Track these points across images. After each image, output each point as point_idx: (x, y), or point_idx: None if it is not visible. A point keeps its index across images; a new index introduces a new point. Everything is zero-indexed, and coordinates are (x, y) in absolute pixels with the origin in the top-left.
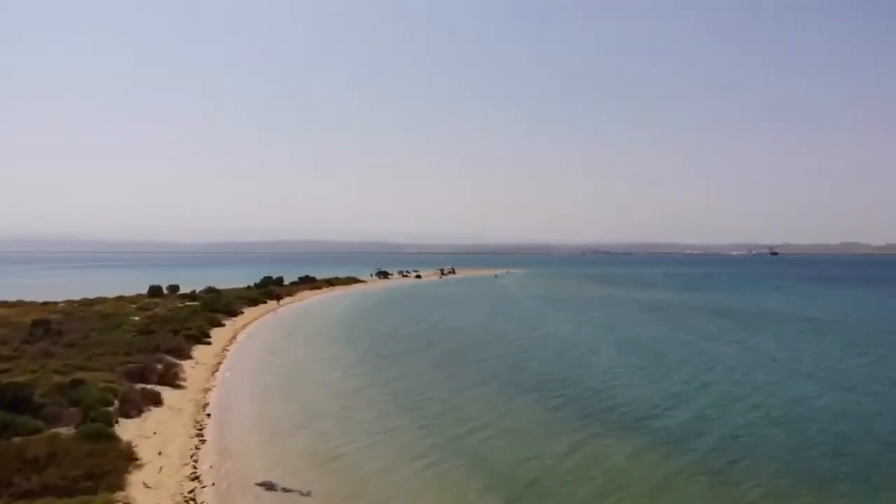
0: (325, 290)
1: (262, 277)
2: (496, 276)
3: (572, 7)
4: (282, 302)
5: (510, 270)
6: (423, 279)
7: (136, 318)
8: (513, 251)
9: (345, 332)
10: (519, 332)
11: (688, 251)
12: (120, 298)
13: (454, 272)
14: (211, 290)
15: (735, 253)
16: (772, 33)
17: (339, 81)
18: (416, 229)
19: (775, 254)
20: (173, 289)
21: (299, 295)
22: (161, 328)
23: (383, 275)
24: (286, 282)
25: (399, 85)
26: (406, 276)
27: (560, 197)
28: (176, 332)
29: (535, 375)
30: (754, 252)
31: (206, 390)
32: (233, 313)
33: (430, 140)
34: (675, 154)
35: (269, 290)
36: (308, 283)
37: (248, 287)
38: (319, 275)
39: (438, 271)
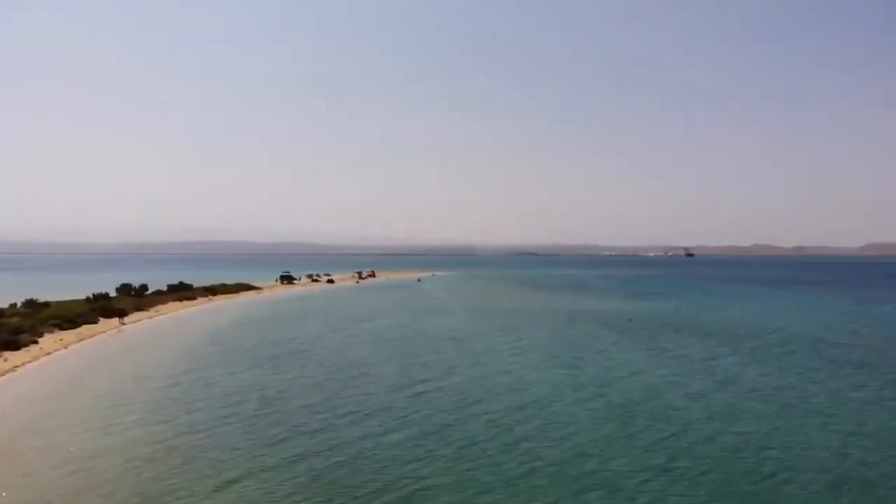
0: (200, 301)
1: (120, 284)
2: (420, 279)
3: (492, 19)
4: (125, 320)
5: (436, 273)
6: (336, 284)
7: None
8: (440, 252)
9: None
10: (440, 381)
11: (607, 252)
12: None
13: (374, 275)
14: (31, 304)
15: (652, 254)
16: (662, 30)
17: (268, 80)
18: (341, 231)
19: (691, 255)
20: None
21: (163, 309)
22: None
23: (287, 280)
24: (187, 287)
25: (327, 83)
26: (316, 280)
27: (484, 198)
28: None
29: None
30: (670, 253)
31: None
32: (14, 346)
33: (355, 140)
34: (594, 157)
35: (108, 305)
36: (180, 291)
37: (89, 298)
38: (221, 279)
39: (356, 275)
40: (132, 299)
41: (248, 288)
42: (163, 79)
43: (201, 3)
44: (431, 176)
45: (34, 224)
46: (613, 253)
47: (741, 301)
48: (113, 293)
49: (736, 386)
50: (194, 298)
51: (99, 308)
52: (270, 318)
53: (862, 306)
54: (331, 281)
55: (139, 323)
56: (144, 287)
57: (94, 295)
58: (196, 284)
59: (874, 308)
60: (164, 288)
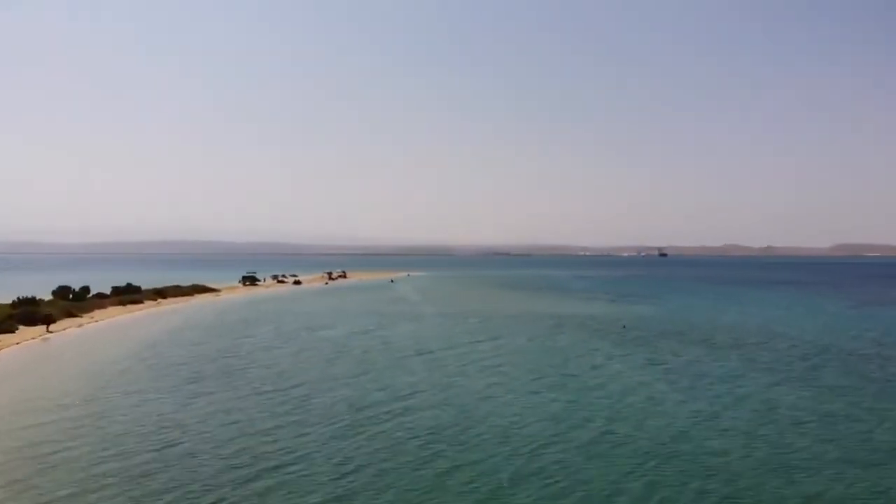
0: (147, 305)
1: (57, 286)
2: (392, 280)
3: (470, 19)
4: (53, 328)
5: (411, 273)
6: (304, 285)
7: None
8: (418, 252)
9: None
10: (399, 415)
11: (581, 252)
12: None
13: (345, 276)
14: None
15: (626, 254)
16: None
17: (246, 77)
18: (319, 231)
19: (664, 255)
20: None
21: (101, 314)
22: None
23: (251, 281)
24: (133, 290)
25: (306, 82)
26: (282, 281)
27: (462, 199)
28: None
29: None
30: (643, 254)
31: None
32: None
33: (333, 140)
34: (569, 159)
35: (32, 311)
36: (125, 294)
37: (14, 302)
38: (182, 280)
39: (325, 275)
40: (66, 304)
41: (205, 290)
42: (137, 74)
43: None
44: (411, 177)
45: (7, 225)
46: (588, 253)
47: (733, 303)
48: (49, 297)
49: (775, 414)
50: (140, 302)
51: (20, 315)
52: (216, 325)
53: (860, 310)
54: (297, 282)
55: (66, 332)
56: (86, 290)
57: (18, 299)
58: (151, 286)
59: (875, 311)
60: (109, 291)
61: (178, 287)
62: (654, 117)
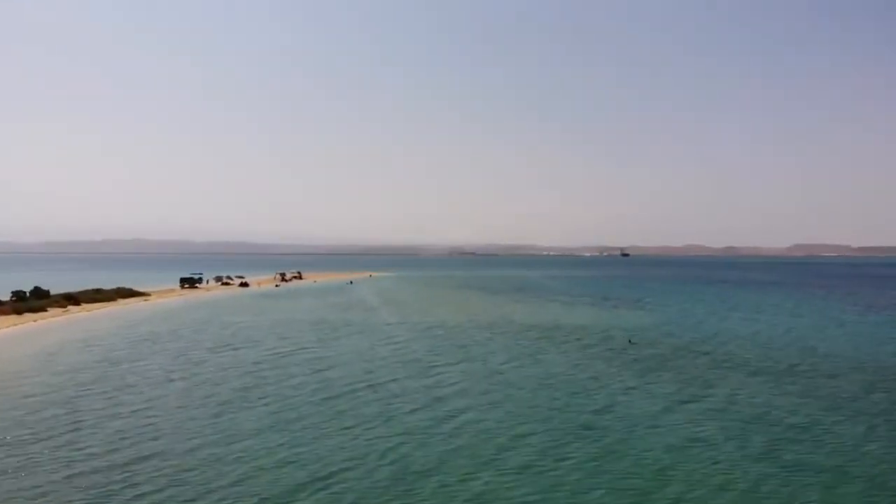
0: (51, 313)
1: None
2: (352, 282)
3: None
4: None
5: (374, 274)
6: (251, 289)
7: None
8: (385, 252)
9: None
10: None
11: (546, 252)
12: None
13: (300, 277)
14: None
15: (588, 254)
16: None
17: (212, 72)
18: (284, 230)
19: (626, 255)
20: None
21: None
22: None
23: (190, 283)
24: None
25: (271, 79)
26: (227, 283)
27: (428, 198)
28: None
29: None
30: (605, 253)
31: None
32: None
33: (297, 139)
34: (532, 158)
35: None
36: (28, 301)
37: None
38: (116, 282)
39: (278, 276)
40: None
41: (131, 294)
42: (93, 66)
43: None
44: (378, 176)
45: None
46: (553, 253)
47: (734, 308)
48: None
49: None
50: (44, 310)
51: None
52: (110, 343)
53: (877, 315)
54: (244, 284)
55: None
56: None
57: None
58: (81, 288)
59: (893, 317)
60: (8, 296)
61: (98, 291)
62: (617, 118)
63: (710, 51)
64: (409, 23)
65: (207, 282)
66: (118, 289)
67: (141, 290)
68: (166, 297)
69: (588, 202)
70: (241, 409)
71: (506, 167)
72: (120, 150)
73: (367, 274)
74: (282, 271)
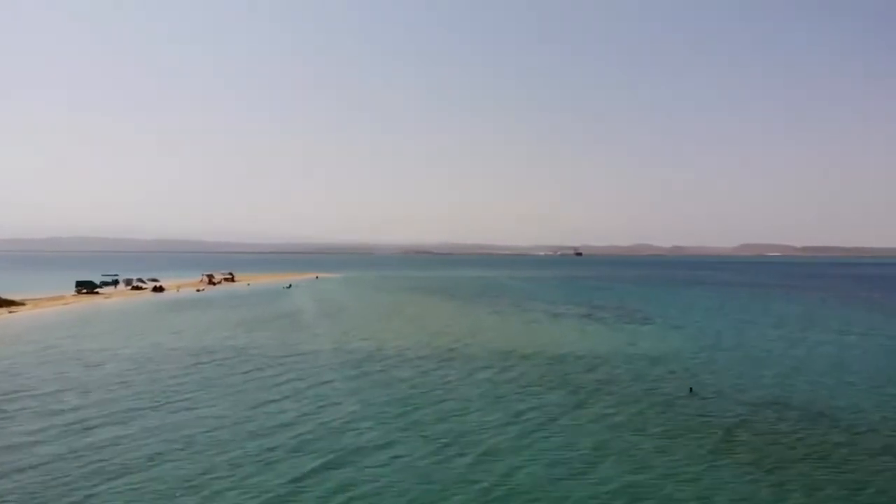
0: None
1: None
2: (290, 285)
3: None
4: None
5: (320, 275)
6: (168, 293)
7: None
8: (336, 251)
9: None
10: None
11: (502, 252)
12: None
13: (232, 279)
14: None
15: (542, 254)
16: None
17: (167, 66)
18: (237, 228)
19: (579, 254)
20: None
21: None
22: None
23: (88, 289)
24: None
25: (229, 76)
26: (139, 287)
27: (382, 198)
28: None
29: None
30: (560, 253)
31: None
32: None
33: (254, 136)
34: (488, 159)
35: None
36: None
37: None
38: (42, 284)
39: (204, 279)
40: None
41: (7, 304)
42: (44, 57)
43: None
44: (332, 174)
45: None
46: (507, 252)
47: (777, 325)
48: None
49: None
50: None
51: None
52: None
53: None
54: (159, 289)
55: None
56: None
57: None
58: None
59: None
60: None
61: None
62: (568, 119)
63: (651, 44)
64: (336, 22)
65: (115, 286)
66: None
67: (16, 297)
68: (43, 307)
69: (540, 202)
70: None
71: (462, 167)
72: (41, 141)
73: (313, 275)
74: (209, 273)
